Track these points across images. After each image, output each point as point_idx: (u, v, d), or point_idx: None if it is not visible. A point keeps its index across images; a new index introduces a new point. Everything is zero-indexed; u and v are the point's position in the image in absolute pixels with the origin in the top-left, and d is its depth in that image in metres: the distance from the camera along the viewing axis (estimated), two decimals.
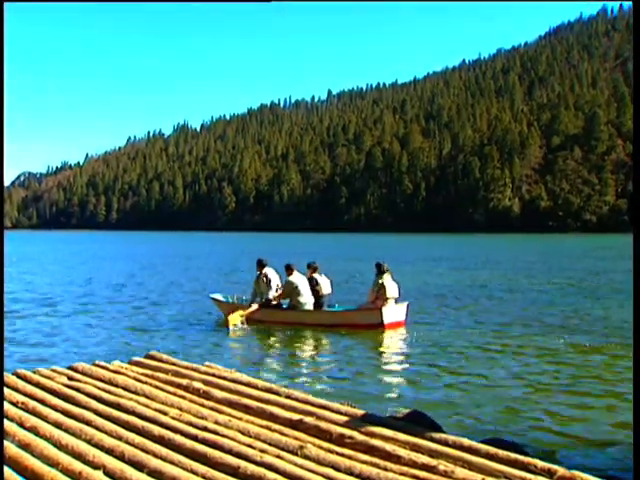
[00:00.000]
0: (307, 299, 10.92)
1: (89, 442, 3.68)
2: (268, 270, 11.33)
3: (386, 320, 10.32)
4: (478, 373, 7.24)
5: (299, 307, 10.89)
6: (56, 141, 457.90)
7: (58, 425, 3.98)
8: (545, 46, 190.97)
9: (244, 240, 73.61)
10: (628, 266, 23.48)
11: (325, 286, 11.15)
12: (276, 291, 11.26)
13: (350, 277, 21.18)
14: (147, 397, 4.65)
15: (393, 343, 9.68)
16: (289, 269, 11.05)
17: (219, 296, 12.25)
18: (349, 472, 3.27)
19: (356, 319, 10.61)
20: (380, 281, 10.74)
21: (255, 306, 11.21)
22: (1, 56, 4.24)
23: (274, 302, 11.20)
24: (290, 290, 10.93)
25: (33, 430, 3.86)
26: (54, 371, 5.54)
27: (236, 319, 10.81)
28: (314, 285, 11.04)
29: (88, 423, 4.03)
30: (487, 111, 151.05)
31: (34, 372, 5.48)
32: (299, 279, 11.00)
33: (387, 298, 10.65)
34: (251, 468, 3.27)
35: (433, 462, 3.35)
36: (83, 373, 5.43)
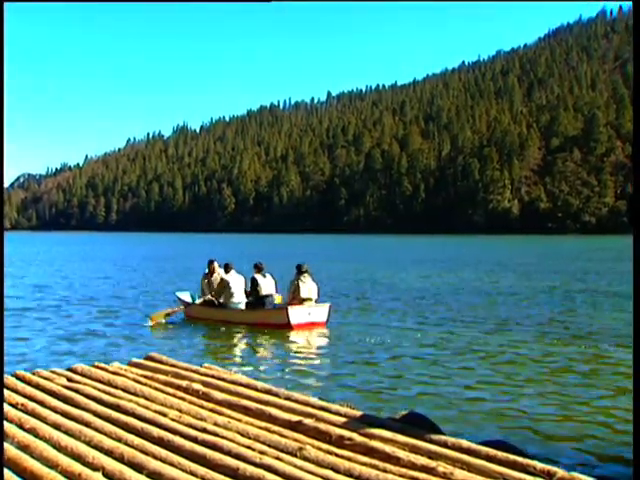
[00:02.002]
0: (239, 298, 11.22)
1: (88, 443, 3.68)
2: (220, 270, 11.83)
3: (293, 321, 10.47)
4: (471, 374, 7.24)
5: (229, 305, 11.21)
6: (55, 142, 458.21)
7: (57, 426, 3.98)
8: (544, 48, 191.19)
9: (243, 241, 73.62)
10: (622, 268, 23.54)
11: (266, 287, 11.26)
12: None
13: (332, 277, 21.19)
14: (146, 398, 4.65)
15: (303, 342, 9.79)
16: (227, 268, 11.48)
17: (186, 295, 12.49)
18: (348, 474, 3.28)
19: (267, 319, 10.85)
20: (296, 282, 10.93)
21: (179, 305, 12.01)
22: (1, 56, 4.23)
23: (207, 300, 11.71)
24: (221, 288, 11.29)
25: (32, 431, 3.86)
26: (53, 372, 5.54)
27: (160, 317, 11.44)
28: (255, 285, 11.23)
29: (87, 424, 4.03)
30: (486, 112, 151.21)
31: (33, 373, 5.48)
32: (234, 278, 11.31)
33: (302, 299, 10.79)
34: (250, 469, 3.27)
35: (432, 464, 3.35)
36: (82, 374, 5.43)
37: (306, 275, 10.98)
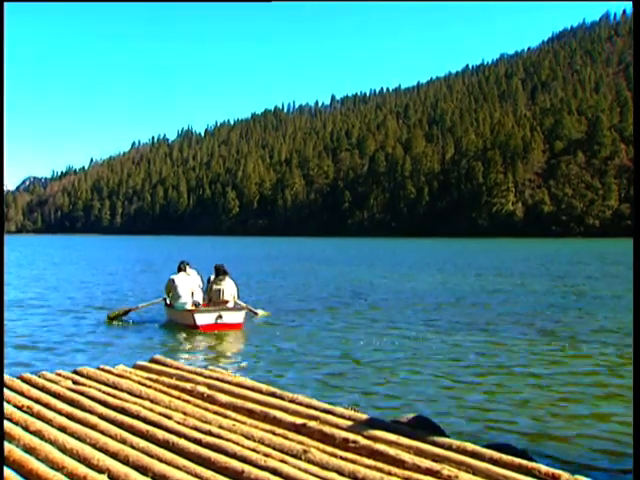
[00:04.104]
0: (185, 299, 11.41)
1: (94, 446, 3.69)
2: (190, 271, 12.15)
3: (199, 322, 10.76)
4: (474, 377, 7.24)
5: (174, 305, 11.49)
6: (61, 146, 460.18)
7: (63, 429, 3.99)
8: (548, 51, 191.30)
9: (247, 244, 73.69)
10: (609, 271, 23.40)
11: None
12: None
13: (327, 279, 21.17)
14: (151, 401, 4.66)
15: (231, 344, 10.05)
16: (179, 268, 11.78)
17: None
18: (353, 476, 3.28)
19: (181, 319, 11.20)
20: (210, 284, 11.26)
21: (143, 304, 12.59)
22: (1, 56, 4.22)
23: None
24: (168, 288, 11.60)
25: (38, 434, 3.87)
26: (59, 375, 5.55)
27: (118, 314, 11.98)
28: (211, 287, 11.62)
29: (93, 427, 4.04)
30: (490, 116, 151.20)
31: (39, 376, 5.49)
32: (181, 279, 11.53)
33: (215, 301, 11.08)
34: (255, 472, 3.27)
35: (437, 467, 3.35)
36: (88, 377, 5.44)
37: (223, 277, 11.21)
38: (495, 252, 51.07)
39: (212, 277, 11.69)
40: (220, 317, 10.84)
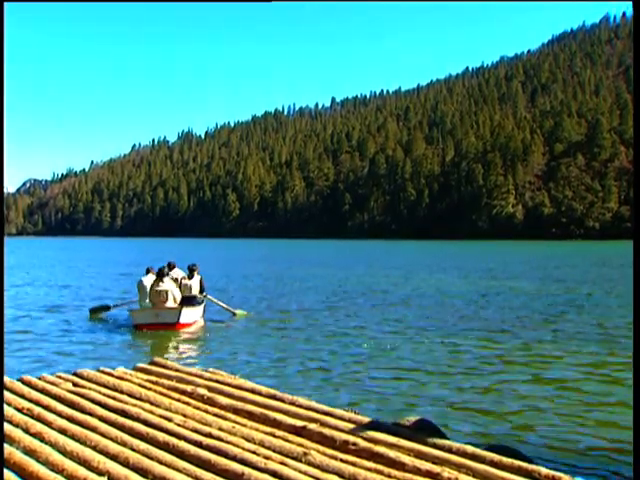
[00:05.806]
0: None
1: (94, 448, 3.69)
2: (178, 272, 12.60)
3: (135, 321, 11.22)
4: (474, 380, 7.24)
5: (142, 305, 11.78)
6: (61, 148, 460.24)
7: (63, 431, 3.99)
8: (548, 54, 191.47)
9: (247, 246, 73.63)
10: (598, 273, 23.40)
11: (193, 288, 12.04)
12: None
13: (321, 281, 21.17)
14: (152, 403, 4.66)
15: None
16: (147, 270, 12.22)
17: None
18: (353, 478, 3.28)
19: (134, 320, 11.50)
20: (150, 285, 11.55)
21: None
22: (1, 56, 4.22)
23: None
24: (138, 289, 11.95)
25: (38, 436, 3.87)
26: (59, 377, 5.56)
27: (99, 311, 12.79)
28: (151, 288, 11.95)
29: (93, 429, 4.04)
30: (490, 118, 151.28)
31: (39, 378, 5.49)
32: (149, 280, 11.83)
33: (156, 301, 11.39)
34: (255, 474, 3.28)
35: (437, 469, 3.35)
36: (88, 379, 5.44)
37: (164, 279, 11.49)
38: (495, 254, 51.05)
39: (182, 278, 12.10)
40: (157, 316, 11.16)
